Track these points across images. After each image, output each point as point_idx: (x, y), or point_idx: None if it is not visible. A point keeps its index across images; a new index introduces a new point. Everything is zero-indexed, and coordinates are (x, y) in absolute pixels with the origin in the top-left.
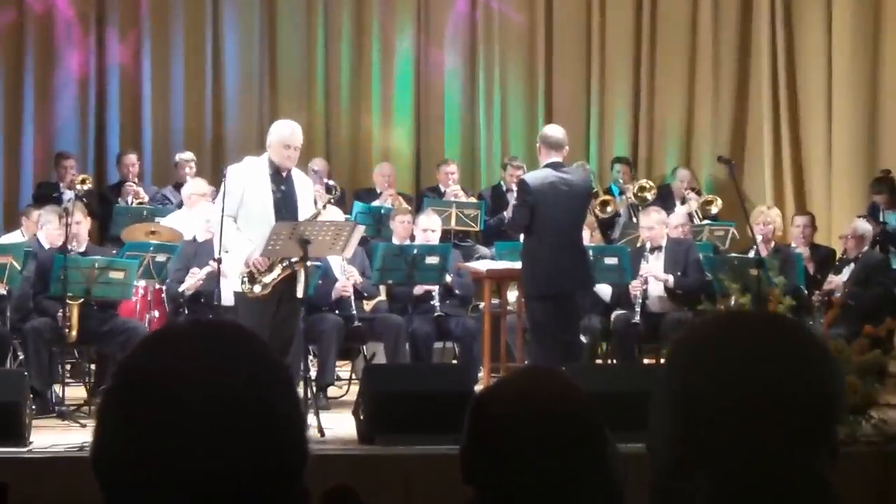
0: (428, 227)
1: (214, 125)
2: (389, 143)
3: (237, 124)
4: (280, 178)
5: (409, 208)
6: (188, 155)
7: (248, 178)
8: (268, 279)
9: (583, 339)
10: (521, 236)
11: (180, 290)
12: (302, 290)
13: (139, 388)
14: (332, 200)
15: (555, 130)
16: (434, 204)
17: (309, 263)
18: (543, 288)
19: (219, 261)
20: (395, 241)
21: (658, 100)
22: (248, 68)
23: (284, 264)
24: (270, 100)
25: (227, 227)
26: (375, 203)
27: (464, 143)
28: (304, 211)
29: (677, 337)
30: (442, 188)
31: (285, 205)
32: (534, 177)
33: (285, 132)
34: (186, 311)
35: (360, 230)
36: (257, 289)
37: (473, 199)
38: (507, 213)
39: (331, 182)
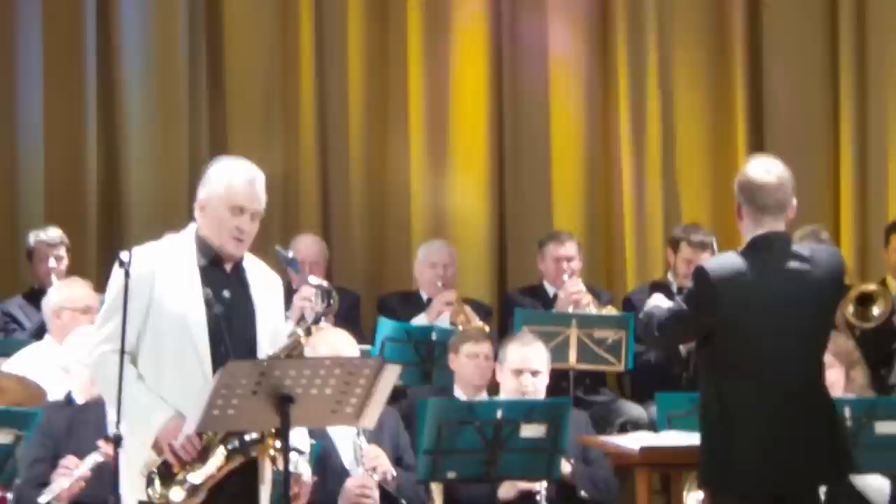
0: (526, 368)
1: (104, 176)
2: (444, 204)
3: (146, 175)
4: (221, 276)
5: (486, 329)
6: (54, 234)
7: (162, 277)
8: (198, 476)
9: None
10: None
11: (43, 501)
12: (266, 495)
13: None
14: (328, 317)
15: (769, 173)
16: (536, 320)
17: (285, 444)
18: (745, 484)
19: (116, 440)
20: (460, 393)
21: None
22: (166, 68)
23: (231, 446)
24: (210, 129)
25: (124, 375)
26: (420, 320)
27: (592, 201)
28: (271, 341)
29: None
30: (550, 289)
31: (231, 328)
32: (722, 264)
33: (237, 182)
34: None
35: (393, 374)
36: (176, 495)
37: (613, 311)
38: (660, 310)
39: (323, 282)
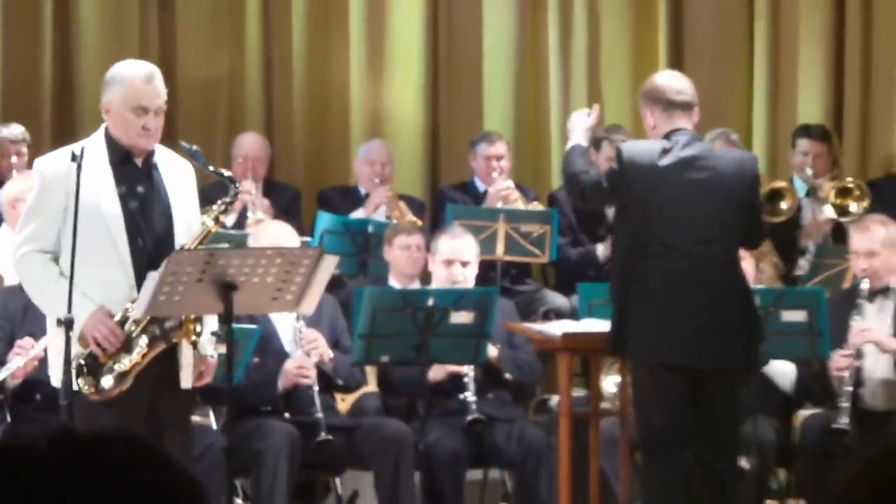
0: (456, 258)
1: (58, 79)
2: (382, 106)
3: (99, 77)
4: (133, 172)
5: (419, 223)
6: (16, 131)
7: (75, 175)
8: (124, 363)
9: (743, 461)
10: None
11: None
12: (188, 377)
13: None
14: (230, 206)
15: (670, 79)
16: (466, 214)
17: (235, 326)
18: (654, 352)
19: (68, 323)
20: (394, 282)
21: (879, 25)
22: None
23: (153, 334)
24: (160, 33)
25: (42, 274)
26: (357, 214)
27: (520, 105)
28: (186, 231)
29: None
30: (480, 185)
31: (147, 221)
32: (640, 150)
33: (135, 79)
34: (9, 417)
35: (331, 264)
36: (106, 382)
37: (539, 207)
38: (588, 176)
39: (222, 171)
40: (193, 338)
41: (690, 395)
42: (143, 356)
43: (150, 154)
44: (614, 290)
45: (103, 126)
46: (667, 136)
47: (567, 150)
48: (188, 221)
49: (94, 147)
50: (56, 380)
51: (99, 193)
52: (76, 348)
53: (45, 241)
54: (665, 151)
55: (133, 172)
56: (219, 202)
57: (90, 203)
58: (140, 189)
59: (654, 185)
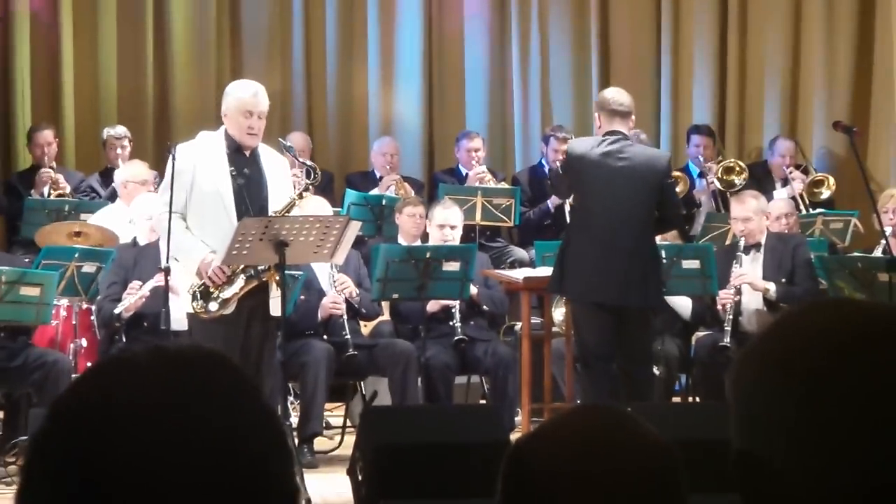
0: (447, 223)
1: (157, 92)
2: (391, 111)
3: (188, 91)
4: (242, 159)
5: (420, 198)
6: (121, 130)
7: (200, 160)
8: (227, 293)
9: (654, 370)
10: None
11: (116, 311)
12: (278, 306)
13: (83, 437)
14: (313, 187)
15: (614, 93)
16: (453, 191)
17: (287, 272)
18: (585, 293)
19: (166, 270)
20: (402, 241)
21: (751, 49)
22: (201, 16)
23: (249, 274)
24: (232, 58)
25: (175, 227)
26: (374, 192)
27: (492, 109)
28: (277, 202)
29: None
30: (463, 170)
31: (250, 195)
32: (581, 144)
33: (245, 95)
34: (124, 339)
35: (355, 227)
36: (213, 307)
37: (505, 185)
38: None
39: (309, 163)
40: (277, 278)
41: (613, 323)
42: (242, 289)
43: (256, 148)
44: (559, 247)
45: (222, 127)
46: (606, 135)
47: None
48: (279, 196)
49: (216, 140)
50: (187, 303)
51: (216, 173)
52: (193, 279)
53: (178, 205)
54: (598, 144)
55: (242, 160)
56: (305, 182)
57: (209, 179)
58: (246, 171)
59: (586, 168)
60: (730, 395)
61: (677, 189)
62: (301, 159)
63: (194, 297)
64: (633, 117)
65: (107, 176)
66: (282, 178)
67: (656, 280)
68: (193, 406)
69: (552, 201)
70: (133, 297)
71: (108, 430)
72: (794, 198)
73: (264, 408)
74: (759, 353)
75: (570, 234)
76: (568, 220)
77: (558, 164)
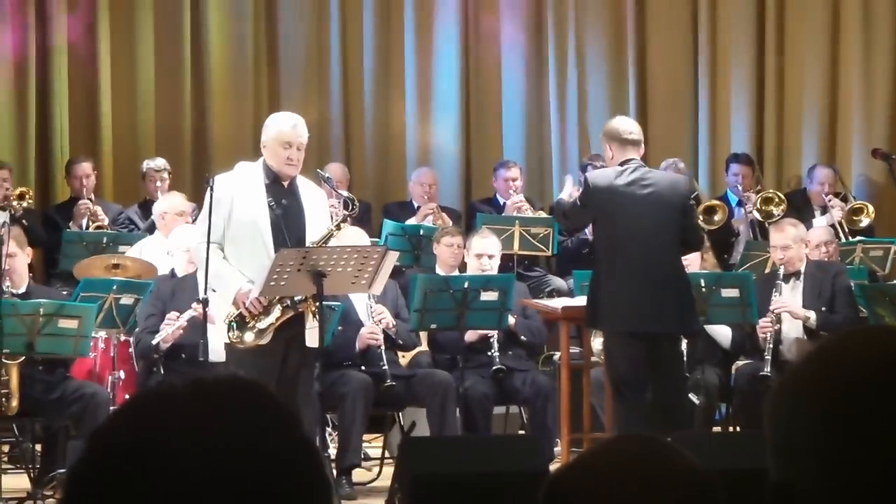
0: (483, 252)
1: (195, 123)
2: (429, 142)
3: (226, 122)
4: (280, 190)
5: (458, 228)
6: (160, 162)
7: (238, 191)
8: (263, 324)
9: (693, 398)
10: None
11: (154, 342)
12: (315, 337)
13: (121, 470)
14: (350, 218)
15: (624, 123)
16: (491, 221)
17: (324, 303)
18: (617, 323)
19: (204, 302)
20: (440, 271)
21: (789, 78)
22: (239, 49)
23: (286, 304)
24: (269, 90)
25: (212, 257)
26: (412, 221)
27: (529, 139)
28: (315, 233)
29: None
30: (501, 200)
31: (287, 226)
32: (603, 176)
33: (284, 127)
34: (162, 371)
35: (393, 258)
36: (249, 337)
37: (543, 214)
38: (564, 202)
39: (346, 193)
40: (313, 309)
41: (646, 352)
42: (278, 319)
43: (294, 179)
44: (590, 281)
45: (261, 158)
46: (621, 164)
47: (556, 202)
48: (317, 227)
49: (254, 170)
50: (217, 340)
51: (254, 204)
52: (230, 309)
53: (216, 236)
54: (619, 175)
55: (280, 191)
56: (343, 213)
57: (247, 210)
58: (284, 202)
59: (612, 200)
60: (766, 424)
61: (716, 217)
62: (338, 190)
63: (230, 328)
64: (643, 148)
65: (146, 208)
66: (320, 210)
67: (690, 303)
68: (232, 438)
69: (590, 230)
70: (171, 327)
71: (146, 462)
72: (833, 226)
73: (303, 439)
74: (794, 383)
75: (599, 267)
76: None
77: (571, 196)
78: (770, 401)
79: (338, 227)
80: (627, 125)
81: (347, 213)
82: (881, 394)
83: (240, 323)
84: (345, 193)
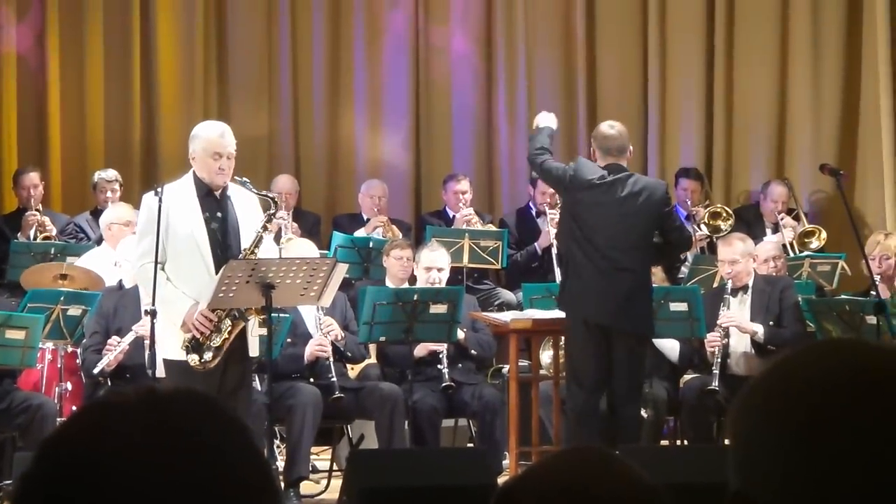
0: (432, 266)
1: (144, 134)
2: (379, 154)
3: (175, 134)
4: (214, 203)
5: (407, 240)
6: (111, 174)
7: (173, 205)
8: (217, 341)
9: (643, 412)
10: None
11: (95, 371)
12: (256, 346)
13: (71, 479)
14: (273, 217)
15: (608, 129)
16: (440, 233)
17: (269, 314)
18: (578, 310)
19: (152, 314)
20: (389, 283)
21: (738, 94)
22: (188, 60)
23: (233, 315)
24: (219, 103)
25: (150, 276)
26: (361, 233)
27: (479, 152)
28: (247, 239)
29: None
30: (450, 213)
31: (225, 240)
32: (588, 167)
33: (212, 137)
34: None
35: (342, 270)
36: (208, 356)
37: (492, 227)
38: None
39: (269, 193)
40: (263, 316)
41: (605, 352)
42: (230, 332)
43: (225, 188)
44: (563, 266)
45: (191, 170)
46: (605, 167)
47: (538, 127)
48: (249, 234)
49: (185, 185)
50: (165, 350)
51: (190, 219)
52: (181, 334)
53: (154, 254)
54: (599, 175)
55: (213, 203)
56: (265, 215)
57: (184, 226)
58: (218, 214)
59: (586, 195)
60: (728, 437)
61: None
62: (255, 190)
63: (187, 352)
64: (631, 149)
65: (97, 216)
66: (253, 218)
67: (646, 307)
68: (182, 448)
69: (539, 244)
70: (112, 353)
71: (96, 472)
72: (784, 243)
73: (254, 449)
74: (755, 396)
75: (570, 253)
76: (555, 261)
77: (562, 170)
78: (731, 413)
79: (264, 229)
80: (609, 132)
81: (271, 213)
82: (844, 407)
83: (195, 345)
84: (267, 193)
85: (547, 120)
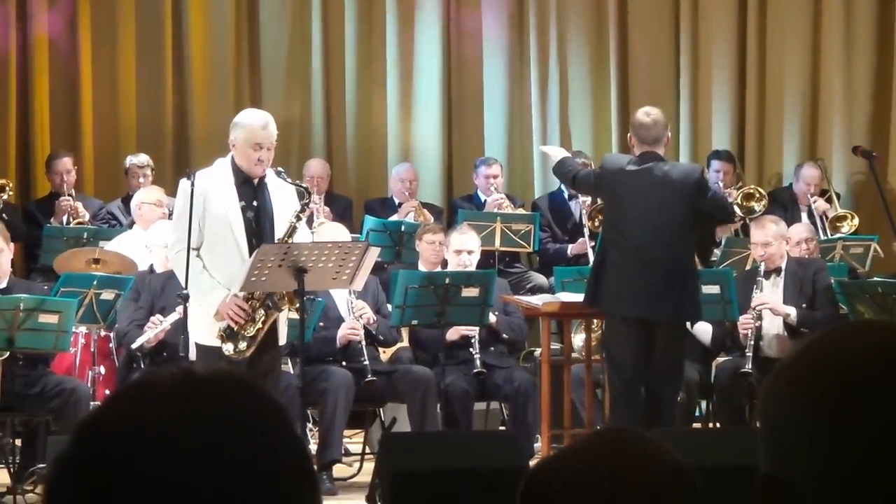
0: (463, 249)
1: (176, 119)
2: (410, 138)
3: (207, 118)
4: (251, 190)
5: (439, 224)
6: (143, 158)
7: (211, 188)
8: (251, 331)
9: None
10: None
11: (135, 346)
12: (285, 334)
13: (108, 460)
14: (307, 207)
15: (644, 117)
16: (472, 217)
17: (301, 299)
18: (616, 307)
19: (185, 297)
20: (421, 267)
21: (770, 75)
22: (220, 44)
23: (267, 305)
24: (251, 87)
25: (191, 267)
26: (393, 218)
27: (511, 136)
28: (281, 229)
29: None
30: (482, 196)
31: (259, 226)
32: (616, 159)
33: (255, 125)
34: (144, 367)
35: (374, 254)
36: (242, 345)
37: (524, 211)
38: (579, 170)
39: (301, 184)
40: (297, 305)
41: (644, 340)
42: (264, 322)
43: (263, 177)
44: (594, 258)
45: (230, 155)
46: (639, 156)
47: (559, 161)
48: (284, 223)
49: (223, 171)
50: (196, 335)
51: (226, 205)
52: (215, 323)
53: (190, 240)
54: (630, 162)
55: (250, 190)
56: (301, 204)
57: (220, 213)
58: (255, 203)
59: (619, 184)
60: (758, 419)
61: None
62: (290, 180)
63: (223, 340)
64: (669, 136)
65: (128, 202)
66: (288, 207)
67: (692, 294)
68: (220, 430)
69: (572, 248)
70: (153, 331)
71: (134, 455)
72: (814, 223)
73: (292, 432)
74: (784, 378)
75: (605, 247)
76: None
77: (587, 166)
78: (761, 396)
79: (297, 219)
80: (645, 120)
81: (304, 202)
82: (871, 388)
83: (230, 334)
84: (299, 184)
85: (556, 152)
